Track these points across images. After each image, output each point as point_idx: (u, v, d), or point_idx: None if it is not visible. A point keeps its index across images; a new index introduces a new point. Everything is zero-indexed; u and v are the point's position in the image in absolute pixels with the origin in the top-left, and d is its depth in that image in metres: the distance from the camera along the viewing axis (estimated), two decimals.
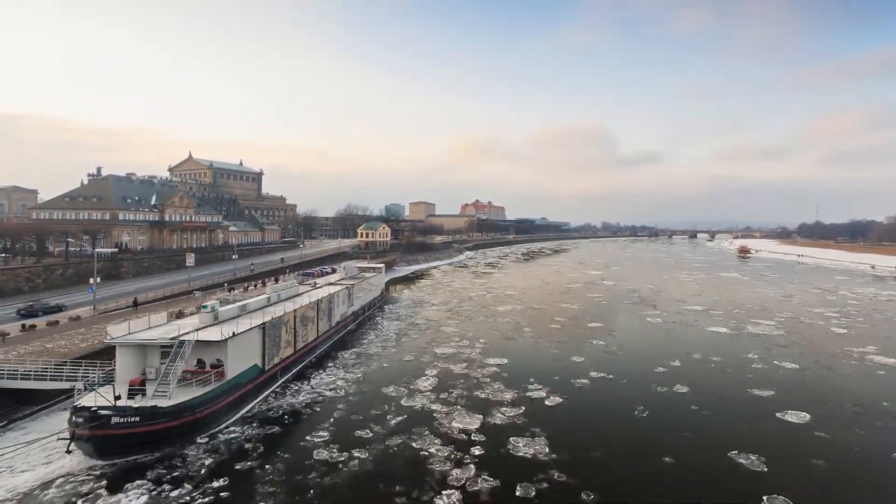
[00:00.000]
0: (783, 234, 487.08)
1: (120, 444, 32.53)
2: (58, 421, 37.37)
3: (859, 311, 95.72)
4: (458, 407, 43.19)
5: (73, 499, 28.31)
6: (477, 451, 34.65)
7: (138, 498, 28.13)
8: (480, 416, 40.81)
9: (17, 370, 40.01)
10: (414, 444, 35.85)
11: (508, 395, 46.23)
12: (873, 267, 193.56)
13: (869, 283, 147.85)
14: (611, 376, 52.36)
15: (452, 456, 33.90)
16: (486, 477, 30.81)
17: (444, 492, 29.23)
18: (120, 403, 33.28)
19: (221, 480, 30.44)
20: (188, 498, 28.50)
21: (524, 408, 43.04)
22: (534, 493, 29.19)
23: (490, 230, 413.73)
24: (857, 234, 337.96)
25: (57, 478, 30.35)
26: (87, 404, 32.81)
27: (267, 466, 32.49)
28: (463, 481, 30.34)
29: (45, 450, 33.54)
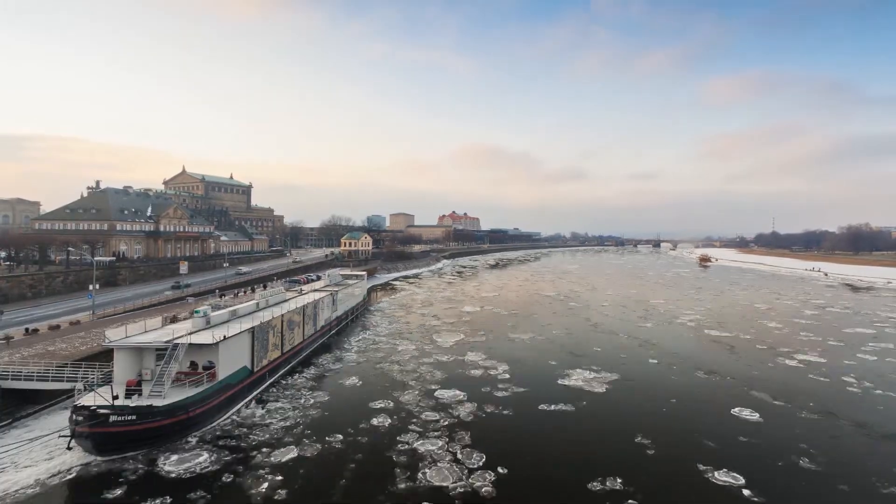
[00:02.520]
0: (742, 244, 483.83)
1: (118, 441, 32.53)
2: (59, 419, 37.15)
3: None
4: (426, 397, 44.21)
5: (74, 493, 28.34)
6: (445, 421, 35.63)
7: (135, 492, 28.24)
8: (446, 403, 41.81)
9: (20, 371, 39.70)
10: (395, 436, 36.54)
11: (462, 394, 47.20)
12: (826, 275, 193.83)
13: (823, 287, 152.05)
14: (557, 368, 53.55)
15: (425, 444, 34.69)
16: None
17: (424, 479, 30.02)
18: (118, 403, 33.30)
19: (212, 476, 30.66)
20: (181, 492, 28.61)
21: (477, 404, 44.13)
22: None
23: (466, 240, 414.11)
24: (810, 244, 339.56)
25: (58, 473, 30.22)
26: (86, 404, 32.77)
27: (256, 462, 32.70)
28: (434, 457, 31.30)
29: (47, 446, 33.36)
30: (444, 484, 29.44)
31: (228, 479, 30.23)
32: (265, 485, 29.64)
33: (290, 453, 34.00)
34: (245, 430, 38.04)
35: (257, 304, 60.11)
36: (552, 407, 43.24)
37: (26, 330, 54.85)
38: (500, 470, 31.18)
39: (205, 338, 41.43)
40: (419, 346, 66.78)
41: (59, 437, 33.46)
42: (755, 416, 41.32)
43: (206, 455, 33.45)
